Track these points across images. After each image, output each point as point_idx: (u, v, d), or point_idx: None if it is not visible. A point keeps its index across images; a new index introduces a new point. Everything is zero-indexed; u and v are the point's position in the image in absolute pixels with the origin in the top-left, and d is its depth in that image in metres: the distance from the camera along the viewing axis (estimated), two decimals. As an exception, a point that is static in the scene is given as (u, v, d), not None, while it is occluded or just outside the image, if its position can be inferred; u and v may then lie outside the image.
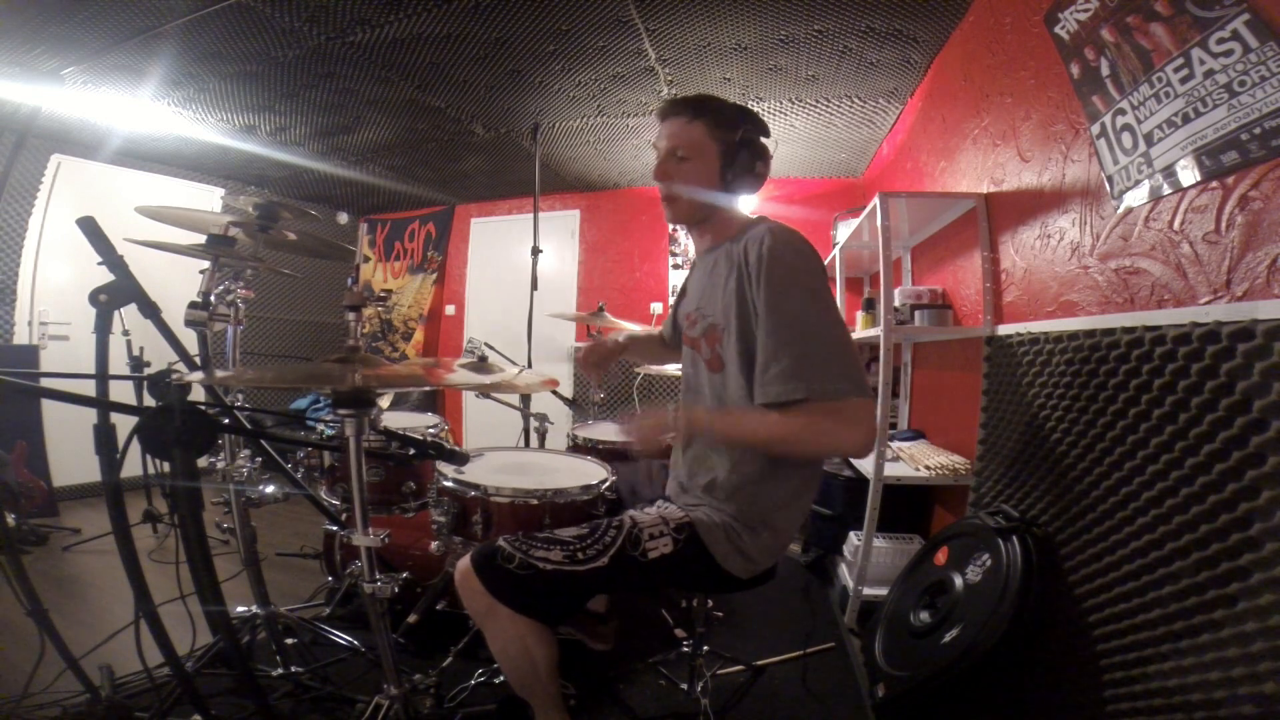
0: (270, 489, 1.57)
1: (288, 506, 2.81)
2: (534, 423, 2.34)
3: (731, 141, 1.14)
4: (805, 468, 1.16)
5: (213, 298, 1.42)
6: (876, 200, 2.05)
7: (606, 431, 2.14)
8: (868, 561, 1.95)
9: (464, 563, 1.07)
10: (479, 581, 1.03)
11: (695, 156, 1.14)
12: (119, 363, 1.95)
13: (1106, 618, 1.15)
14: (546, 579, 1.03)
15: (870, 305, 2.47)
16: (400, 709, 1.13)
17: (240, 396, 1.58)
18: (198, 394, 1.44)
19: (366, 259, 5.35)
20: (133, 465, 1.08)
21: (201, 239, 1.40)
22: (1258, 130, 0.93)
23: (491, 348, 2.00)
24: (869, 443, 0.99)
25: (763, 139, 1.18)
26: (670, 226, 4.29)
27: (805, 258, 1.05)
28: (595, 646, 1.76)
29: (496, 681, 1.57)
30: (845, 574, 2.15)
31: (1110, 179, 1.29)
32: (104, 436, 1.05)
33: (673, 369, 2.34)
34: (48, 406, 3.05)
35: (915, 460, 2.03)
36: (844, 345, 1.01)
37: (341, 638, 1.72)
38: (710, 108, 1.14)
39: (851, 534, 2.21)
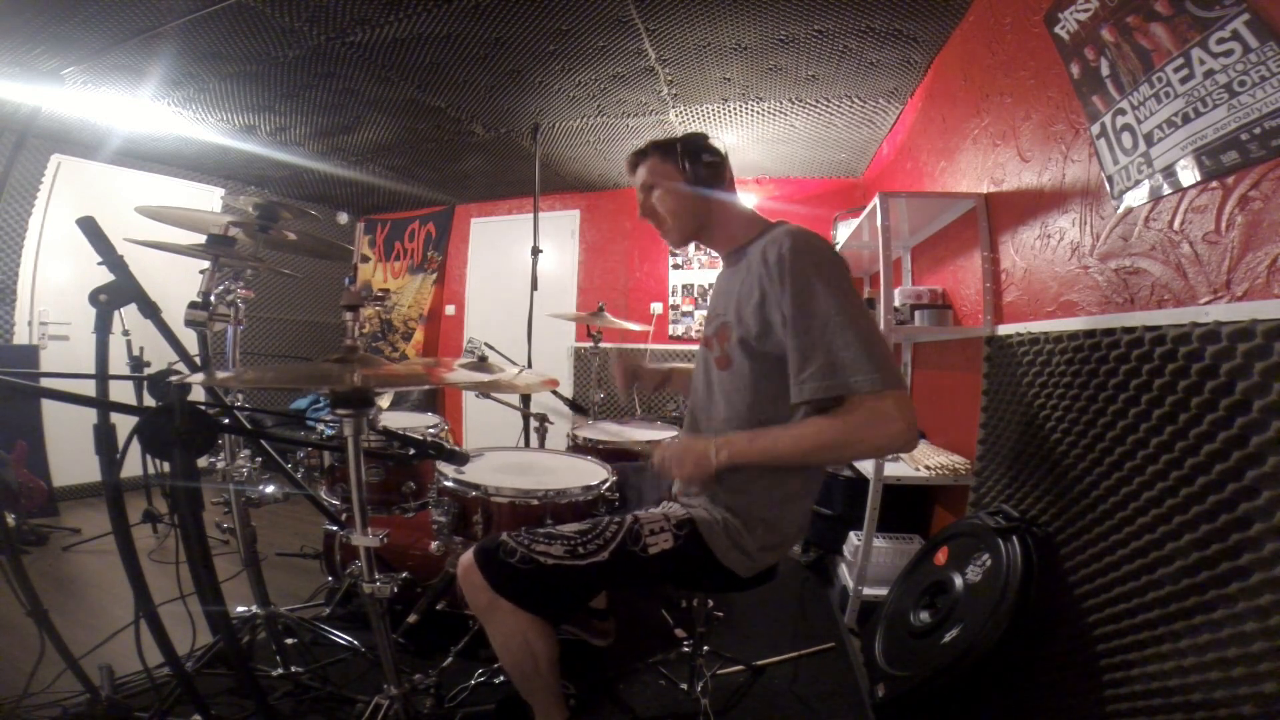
0: (270, 489, 1.57)
1: (288, 506, 2.82)
2: (534, 423, 2.34)
3: (678, 150, 1.22)
4: (807, 466, 1.16)
5: (213, 298, 1.42)
6: (876, 200, 2.05)
7: (607, 431, 2.14)
8: (868, 561, 1.95)
9: (466, 557, 1.08)
10: (481, 576, 1.04)
11: (659, 178, 1.23)
12: (119, 363, 1.95)
13: (1106, 618, 1.15)
14: (548, 574, 1.04)
15: (870, 305, 2.47)
16: (400, 709, 1.13)
17: (240, 396, 1.58)
18: (198, 394, 1.44)
19: (366, 259, 5.35)
20: (133, 465, 1.08)
21: (201, 239, 1.40)
22: (1258, 130, 0.93)
23: (491, 347, 2.00)
24: (911, 434, 0.98)
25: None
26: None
27: (827, 255, 1.06)
28: (595, 642, 1.77)
29: (496, 682, 1.57)
30: (845, 574, 2.15)
31: (1110, 179, 1.29)
32: (104, 436, 1.05)
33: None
34: (48, 406, 3.06)
35: (915, 460, 2.03)
36: (875, 339, 1.01)
37: (341, 638, 1.72)
38: (652, 143, 1.26)
39: (851, 534, 2.21)
